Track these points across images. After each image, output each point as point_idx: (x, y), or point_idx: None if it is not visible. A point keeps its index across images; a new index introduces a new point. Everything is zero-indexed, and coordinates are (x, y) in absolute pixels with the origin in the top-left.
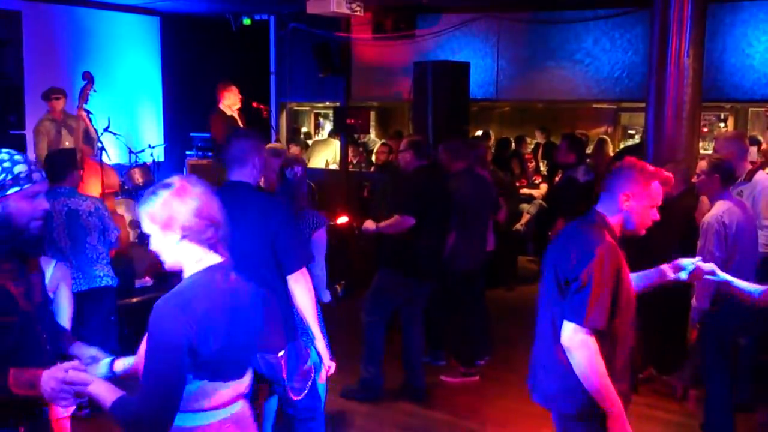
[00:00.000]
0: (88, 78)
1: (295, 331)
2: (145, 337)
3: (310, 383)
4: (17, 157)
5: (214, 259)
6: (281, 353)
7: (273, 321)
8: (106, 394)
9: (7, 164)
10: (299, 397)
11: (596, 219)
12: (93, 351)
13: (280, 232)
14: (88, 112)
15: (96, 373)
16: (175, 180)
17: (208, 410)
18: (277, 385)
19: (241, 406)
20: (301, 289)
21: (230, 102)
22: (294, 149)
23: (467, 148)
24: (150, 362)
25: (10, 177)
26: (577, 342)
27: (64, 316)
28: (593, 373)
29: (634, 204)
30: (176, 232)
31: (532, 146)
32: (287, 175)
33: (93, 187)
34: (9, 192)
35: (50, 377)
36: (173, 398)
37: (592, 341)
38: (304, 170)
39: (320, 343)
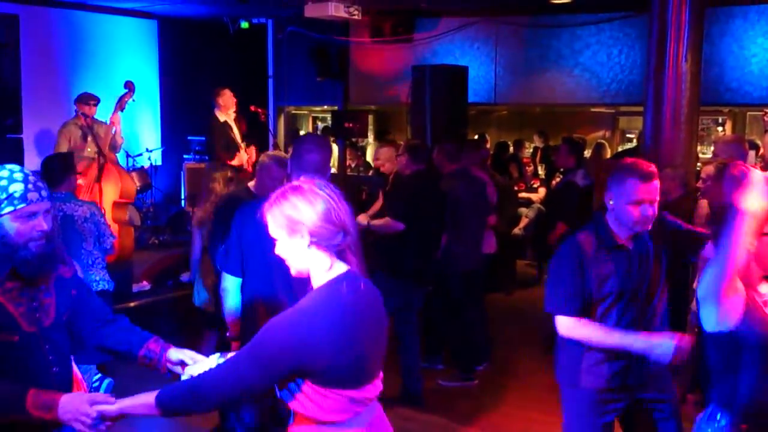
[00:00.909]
0: (130, 87)
1: None
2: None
3: None
4: (17, 175)
5: (341, 267)
6: None
7: None
8: (140, 400)
9: (4, 182)
10: None
11: (591, 221)
12: (189, 354)
13: None
14: (86, 116)
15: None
16: (304, 183)
17: (347, 420)
18: None
19: (375, 410)
20: None
21: (225, 107)
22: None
23: (465, 150)
24: (243, 357)
25: (4, 195)
26: (560, 327)
27: None
28: (595, 340)
29: (615, 203)
30: (304, 237)
31: (531, 150)
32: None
33: (111, 193)
34: (3, 211)
35: (69, 403)
36: (234, 397)
37: (570, 320)
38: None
39: None
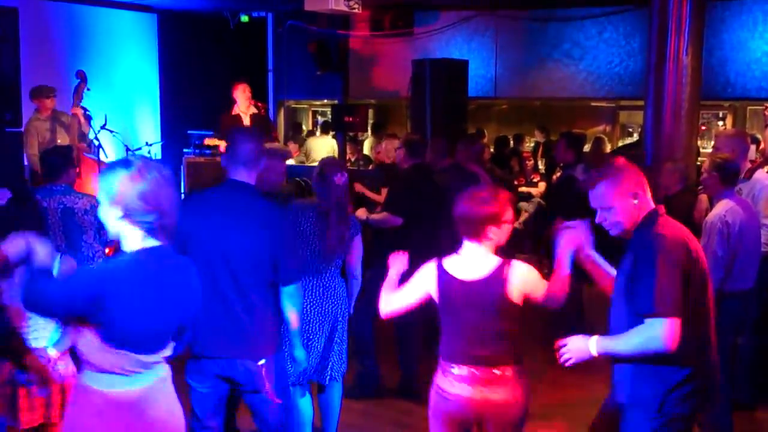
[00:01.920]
0: (82, 76)
1: (281, 343)
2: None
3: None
4: None
5: (150, 242)
6: (262, 362)
7: (257, 328)
8: (43, 256)
9: None
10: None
11: None
12: None
13: (284, 243)
14: (85, 110)
15: None
16: (136, 161)
17: (125, 375)
18: (254, 393)
19: (159, 375)
20: (294, 302)
21: (239, 101)
22: (292, 146)
23: (460, 145)
24: (67, 283)
25: None
26: None
27: None
28: None
29: None
30: (119, 209)
31: (532, 145)
32: (335, 180)
33: (90, 185)
34: None
35: None
36: (55, 310)
37: None
38: (348, 177)
39: (300, 352)
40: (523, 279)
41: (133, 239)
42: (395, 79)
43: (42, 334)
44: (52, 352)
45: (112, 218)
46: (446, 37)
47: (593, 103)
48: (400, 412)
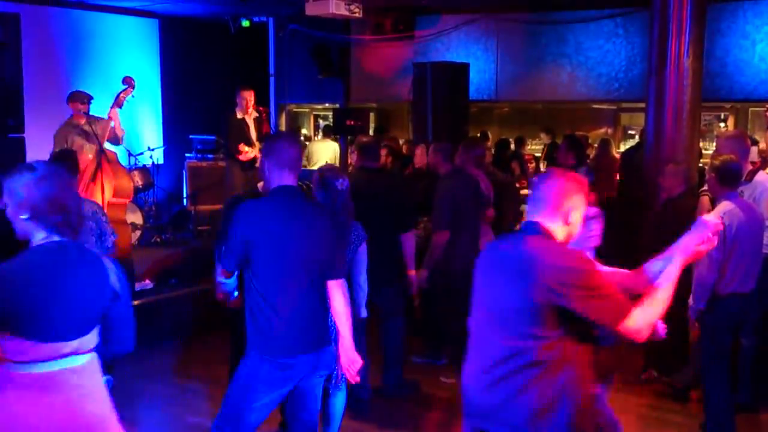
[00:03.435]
0: (130, 82)
1: (329, 336)
2: None
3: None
4: None
5: (53, 238)
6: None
7: (325, 317)
8: None
9: None
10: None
11: None
12: None
13: (335, 242)
14: (83, 113)
15: None
16: (40, 166)
17: (25, 363)
18: (327, 377)
19: (60, 367)
20: (342, 296)
21: (242, 105)
22: None
23: (461, 149)
24: None
25: None
26: None
27: None
28: None
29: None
30: (26, 211)
31: (540, 147)
32: (337, 186)
33: (107, 192)
34: None
35: None
36: None
37: None
38: (348, 183)
39: (351, 351)
40: None
41: (39, 238)
42: (397, 82)
43: None
44: None
45: (18, 219)
46: (447, 40)
47: (595, 106)
48: (402, 414)
